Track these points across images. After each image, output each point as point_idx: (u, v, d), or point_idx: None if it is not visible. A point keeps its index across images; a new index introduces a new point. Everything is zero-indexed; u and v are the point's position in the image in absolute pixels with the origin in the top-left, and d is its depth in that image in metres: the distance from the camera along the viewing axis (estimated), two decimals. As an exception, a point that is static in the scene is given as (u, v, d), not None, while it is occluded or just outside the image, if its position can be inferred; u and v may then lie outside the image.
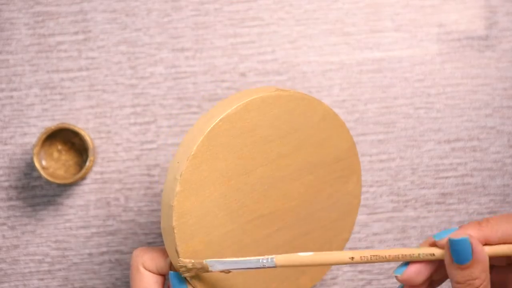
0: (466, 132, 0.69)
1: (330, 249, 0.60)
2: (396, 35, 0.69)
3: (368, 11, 0.69)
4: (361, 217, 0.69)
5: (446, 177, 0.69)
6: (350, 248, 0.69)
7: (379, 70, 0.69)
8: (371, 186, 0.69)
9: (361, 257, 0.49)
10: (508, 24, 0.70)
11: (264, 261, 0.50)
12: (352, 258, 0.49)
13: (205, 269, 0.51)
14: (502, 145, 0.69)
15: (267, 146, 0.54)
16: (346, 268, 0.69)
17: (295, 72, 0.69)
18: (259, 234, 0.55)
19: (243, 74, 0.69)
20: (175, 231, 0.50)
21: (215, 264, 0.51)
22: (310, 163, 0.56)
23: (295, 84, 0.69)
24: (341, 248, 0.61)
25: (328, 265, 0.49)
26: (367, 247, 0.69)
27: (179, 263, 0.51)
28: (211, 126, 0.51)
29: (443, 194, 0.69)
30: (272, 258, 0.50)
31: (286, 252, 0.57)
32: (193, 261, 0.51)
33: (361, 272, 0.69)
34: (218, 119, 0.51)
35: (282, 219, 0.56)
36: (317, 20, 0.69)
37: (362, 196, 0.69)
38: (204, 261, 0.51)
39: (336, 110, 0.69)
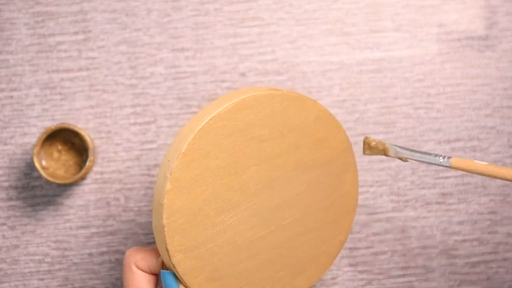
0: (466, 132, 0.69)
1: (326, 251, 0.59)
2: (396, 35, 0.69)
3: (368, 11, 0.69)
4: (361, 217, 0.69)
5: (446, 177, 0.69)
6: (350, 249, 0.69)
7: (379, 70, 0.69)
8: (371, 186, 0.69)
9: None
10: (508, 24, 0.70)
11: (441, 159, 0.54)
12: None
13: (385, 151, 0.55)
14: (502, 145, 0.69)
15: (260, 146, 0.53)
16: (346, 268, 0.69)
17: (295, 72, 0.69)
18: (253, 235, 0.54)
19: (243, 74, 0.69)
20: (165, 229, 0.50)
21: (396, 148, 0.55)
22: (305, 164, 0.56)
23: (295, 84, 0.69)
24: (337, 250, 0.60)
25: (499, 179, 0.52)
26: (367, 247, 0.69)
27: (367, 140, 0.56)
28: (202, 124, 0.50)
29: (443, 194, 0.69)
30: (448, 158, 0.54)
31: (281, 253, 0.56)
32: (376, 140, 0.56)
33: (361, 272, 0.69)
34: (209, 118, 0.51)
35: (276, 220, 0.56)
36: (317, 20, 0.69)
37: (362, 196, 0.69)
38: (386, 143, 0.55)
39: (336, 110, 0.69)
